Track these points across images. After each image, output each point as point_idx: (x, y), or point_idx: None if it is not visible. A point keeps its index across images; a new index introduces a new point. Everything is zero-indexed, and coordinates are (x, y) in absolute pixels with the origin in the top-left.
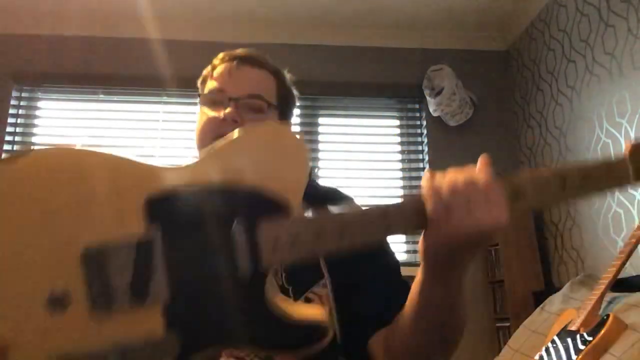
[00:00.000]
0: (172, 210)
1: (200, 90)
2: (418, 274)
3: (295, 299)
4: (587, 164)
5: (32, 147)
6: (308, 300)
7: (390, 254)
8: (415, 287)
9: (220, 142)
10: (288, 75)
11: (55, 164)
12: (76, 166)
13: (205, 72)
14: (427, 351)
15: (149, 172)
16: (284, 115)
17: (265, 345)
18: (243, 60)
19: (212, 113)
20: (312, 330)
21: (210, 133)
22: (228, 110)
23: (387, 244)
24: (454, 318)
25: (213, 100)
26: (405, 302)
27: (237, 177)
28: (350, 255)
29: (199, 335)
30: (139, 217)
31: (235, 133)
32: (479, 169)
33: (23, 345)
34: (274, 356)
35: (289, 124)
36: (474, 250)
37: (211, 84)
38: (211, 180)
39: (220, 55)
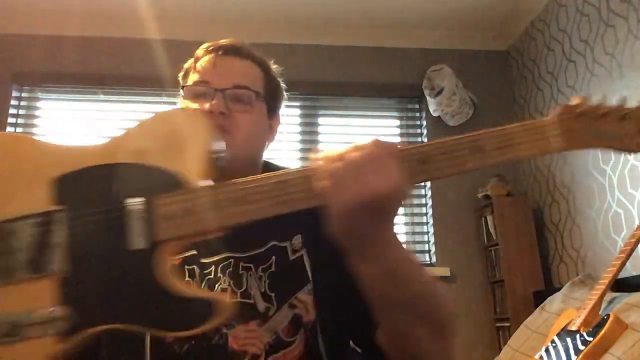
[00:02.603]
0: (76, 189)
1: (182, 84)
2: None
3: (279, 306)
4: (507, 127)
5: None
6: (292, 307)
7: None
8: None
9: (130, 126)
10: (274, 67)
11: None
12: None
13: (187, 65)
14: (412, 342)
15: (58, 152)
16: (272, 106)
17: (153, 323)
18: (227, 50)
19: (196, 106)
20: (199, 306)
21: None
22: (214, 102)
23: None
24: (410, 293)
25: (197, 92)
26: None
27: (139, 157)
28: (335, 256)
29: (91, 312)
30: (45, 196)
31: (145, 118)
32: (367, 141)
33: None
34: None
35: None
36: (378, 218)
37: (194, 77)
38: (116, 160)
39: (203, 46)
